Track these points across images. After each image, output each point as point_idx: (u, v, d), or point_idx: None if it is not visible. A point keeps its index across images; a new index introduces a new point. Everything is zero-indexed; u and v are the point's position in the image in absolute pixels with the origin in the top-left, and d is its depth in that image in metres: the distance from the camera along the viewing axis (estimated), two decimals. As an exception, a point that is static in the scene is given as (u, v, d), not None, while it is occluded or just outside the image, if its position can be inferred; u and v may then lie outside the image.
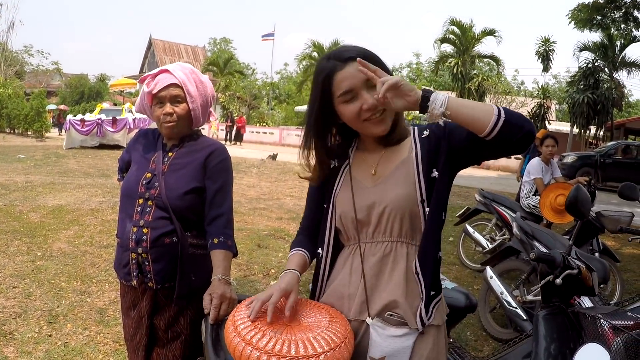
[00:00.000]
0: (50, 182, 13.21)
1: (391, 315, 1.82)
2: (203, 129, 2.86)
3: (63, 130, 30.25)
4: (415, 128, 1.96)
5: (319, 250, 2.04)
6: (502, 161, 26.62)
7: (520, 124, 1.63)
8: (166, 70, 2.50)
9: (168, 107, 2.47)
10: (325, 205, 2.04)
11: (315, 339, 1.64)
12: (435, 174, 1.84)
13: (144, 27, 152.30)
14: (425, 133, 1.91)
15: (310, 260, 2.06)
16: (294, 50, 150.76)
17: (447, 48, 33.58)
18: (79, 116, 25.12)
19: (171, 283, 2.49)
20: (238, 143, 32.04)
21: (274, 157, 22.34)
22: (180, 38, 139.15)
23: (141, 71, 61.03)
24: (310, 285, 2.10)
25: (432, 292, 1.83)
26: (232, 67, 47.33)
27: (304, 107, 44.43)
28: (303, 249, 2.06)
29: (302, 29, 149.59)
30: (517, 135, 1.63)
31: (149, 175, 2.52)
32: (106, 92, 51.17)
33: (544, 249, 4.66)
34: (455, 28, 32.16)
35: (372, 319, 1.84)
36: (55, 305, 5.20)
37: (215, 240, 2.44)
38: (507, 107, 1.86)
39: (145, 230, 2.45)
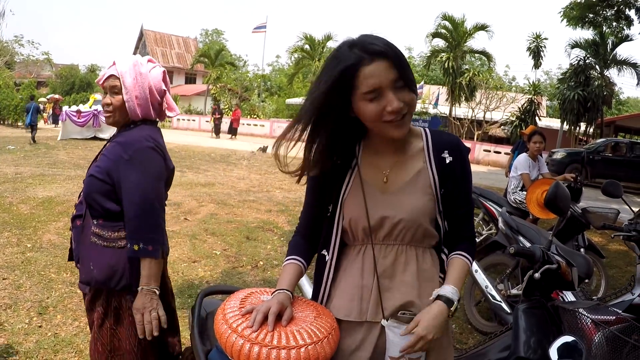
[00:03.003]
0: (40, 173, 13.19)
1: (404, 313, 1.84)
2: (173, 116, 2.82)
3: (60, 122, 30.16)
4: (429, 136, 1.95)
5: (324, 253, 2.02)
6: (492, 156, 26.80)
7: None
8: (114, 62, 2.56)
9: (107, 98, 2.54)
10: (330, 207, 1.99)
11: (298, 331, 1.71)
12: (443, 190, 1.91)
13: (135, 18, 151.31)
14: (446, 157, 1.90)
15: (306, 267, 2.05)
16: (285, 42, 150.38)
17: (439, 43, 33.63)
18: (75, 107, 25.20)
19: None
20: (232, 136, 31.79)
21: (264, 149, 22.32)
22: (172, 29, 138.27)
23: (133, 62, 60.83)
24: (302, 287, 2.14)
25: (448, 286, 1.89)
26: (223, 58, 47.16)
27: (295, 100, 44.31)
28: (299, 258, 2.02)
29: (295, 21, 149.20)
30: None
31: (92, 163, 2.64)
32: (96, 83, 51.05)
33: (528, 244, 4.74)
34: (447, 23, 32.19)
35: (387, 321, 1.85)
36: (45, 297, 5.24)
37: (135, 247, 2.39)
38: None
39: (74, 211, 2.62)
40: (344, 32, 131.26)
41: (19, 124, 32.33)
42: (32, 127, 23.96)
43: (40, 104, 35.81)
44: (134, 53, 60.84)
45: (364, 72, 1.67)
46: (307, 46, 37.65)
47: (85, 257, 2.53)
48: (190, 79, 60.42)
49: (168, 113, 2.74)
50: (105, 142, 2.76)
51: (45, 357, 4.11)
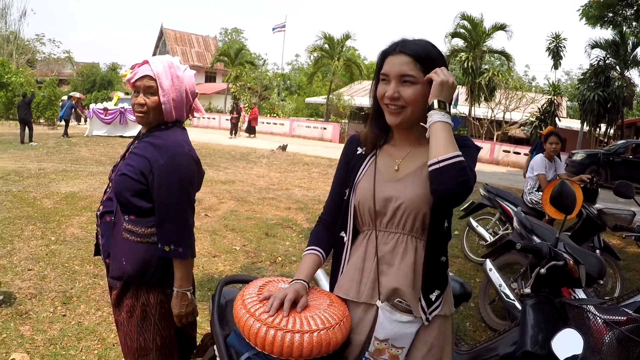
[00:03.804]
0: (63, 169, 13.46)
1: (400, 302, 1.96)
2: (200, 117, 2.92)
3: (82, 120, 30.54)
4: None
5: (342, 234, 2.16)
6: (512, 157, 26.62)
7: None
8: (147, 62, 2.60)
9: (140, 97, 2.57)
10: (346, 191, 2.15)
11: (312, 317, 1.84)
12: None
13: (155, 17, 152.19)
14: None
15: (326, 256, 2.19)
16: (305, 41, 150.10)
17: (458, 42, 33.44)
18: (101, 104, 25.76)
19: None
20: (251, 135, 31.75)
21: (283, 147, 22.44)
22: (192, 28, 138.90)
23: (152, 60, 61.09)
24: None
25: (435, 290, 1.98)
26: (243, 57, 47.22)
27: (314, 99, 44.25)
28: (318, 249, 2.17)
29: (314, 20, 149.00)
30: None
31: (119, 160, 2.73)
32: (117, 81, 51.23)
33: (541, 244, 4.78)
34: (466, 22, 31.99)
35: (381, 303, 1.97)
36: (69, 287, 5.41)
37: (166, 248, 2.50)
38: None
39: (101, 207, 2.71)
40: (363, 31, 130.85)
41: (41, 120, 32.64)
42: (66, 121, 24.62)
43: (62, 102, 36.27)
44: (154, 52, 61.25)
45: (387, 60, 1.98)
46: (326, 45, 37.57)
47: (117, 253, 2.61)
48: (210, 78, 60.65)
49: (195, 114, 2.83)
50: (130, 139, 2.86)
51: (69, 344, 4.28)
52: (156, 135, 2.61)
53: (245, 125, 32.24)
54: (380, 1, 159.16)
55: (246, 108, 35.18)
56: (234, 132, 29.95)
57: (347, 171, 2.19)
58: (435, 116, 1.86)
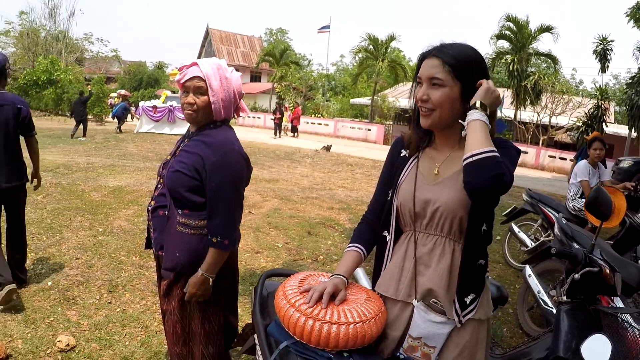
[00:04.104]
0: (111, 164, 13.82)
1: (435, 302, 2.03)
2: (241, 117, 3.03)
3: (130, 117, 31.26)
4: None
5: (385, 234, 2.23)
6: (557, 162, 26.13)
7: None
8: (196, 64, 2.73)
9: (190, 97, 2.71)
10: (390, 192, 2.22)
11: (349, 310, 1.95)
12: None
13: (201, 17, 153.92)
14: None
15: (367, 254, 2.29)
16: (350, 41, 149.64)
17: (504, 44, 32.86)
18: (150, 102, 26.68)
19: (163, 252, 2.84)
20: (294, 134, 31.78)
21: (328, 148, 22.46)
22: (237, 28, 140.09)
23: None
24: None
25: (470, 293, 2.02)
26: (288, 57, 47.32)
27: (359, 100, 44.04)
28: (360, 246, 2.28)
29: (359, 20, 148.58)
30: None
31: (169, 157, 2.88)
32: (164, 80, 51.96)
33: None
34: (511, 24, 31.39)
35: (417, 302, 2.05)
36: (115, 276, 5.62)
37: (214, 240, 2.65)
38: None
39: (152, 202, 2.86)
40: (408, 32, 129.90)
41: (89, 117, 33.34)
42: (119, 119, 25.38)
43: (110, 99, 37.21)
44: (200, 51, 61.91)
45: (423, 62, 2.05)
46: (370, 46, 37.35)
47: (170, 245, 2.76)
48: (255, 77, 61.01)
49: (241, 113, 2.94)
50: (177, 137, 2.99)
51: (114, 329, 4.47)
52: (206, 133, 2.75)
53: (289, 125, 32.32)
54: (426, 2, 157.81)
55: (291, 108, 35.27)
56: (277, 132, 29.91)
57: (391, 172, 2.26)
58: (474, 115, 1.90)
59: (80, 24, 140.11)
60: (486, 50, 31.68)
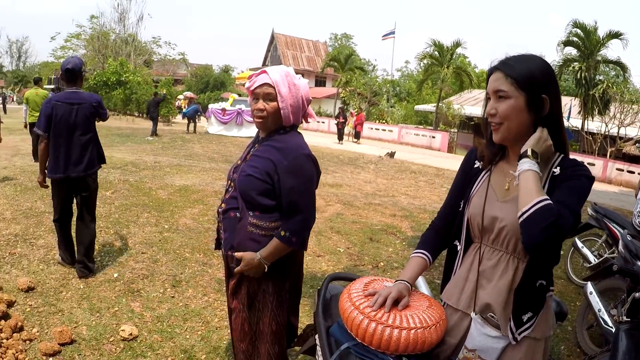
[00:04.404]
0: (177, 163, 14.14)
1: (492, 317, 2.03)
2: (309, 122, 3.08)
3: (201, 118, 32.09)
4: (558, 159, 2.04)
5: (456, 243, 2.25)
6: (625, 175, 25.31)
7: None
8: (265, 71, 2.80)
9: (260, 103, 2.78)
10: (461, 202, 2.24)
11: (411, 316, 1.98)
12: None
13: (266, 21, 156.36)
14: (556, 172, 2.00)
15: (432, 261, 2.30)
16: (414, 47, 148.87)
17: (572, 51, 31.90)
18: (219, 104, 27.56)
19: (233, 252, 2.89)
20: (356, 140, 31.50)
21: (391, 154, 22.33)
22: (302, 32, 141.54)
23: (264, 64, 62.44)
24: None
25: (527, 312, 1.99)
26: (352, 63, 47.39)
27: (423, 106, 43.68)
28: (426, 252, 2.31)
29: (424, 25, 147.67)
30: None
31: (239, 162, 2.96)
32: (230, 83, 52.78)
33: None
34: (578, 30, 30.46)
35: (475, 314, 2.07)
36: (179, 272, 5.76)
37: (282, 233, 2.72)
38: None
39: (223, 205, 2.94)
40: (474, 39, 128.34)
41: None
42: (189, 119, 26.33)
43: (177, 101, 38.14)
44: (265, 56, 62.66)
45: (490, 77, 2.05)
46: (436, 53, 36.97)
47: (242, 245, 2.82)
48: (320, 82, 61.34)
49: (308, 119, 2.99)
50: (245, 139, 3.06)
51: (175, 323, 4.58)
52: (276, 139, 2.83)
53: (353, 131, 32.16)
54: (490, 8, 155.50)
55: (356, 113, 35.15)
56: (341, 137, 29.74)
57: (463, 182, 2.28)
58: (524, 164, 1.90)
59: (148, 27, 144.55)
60: (553, 57, 30.66)
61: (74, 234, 5.63)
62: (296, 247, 2.76)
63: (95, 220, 5.73)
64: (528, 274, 1.97)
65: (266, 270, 2.76)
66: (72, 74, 5.37)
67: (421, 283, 3.18)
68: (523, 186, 1.86)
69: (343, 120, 29.62)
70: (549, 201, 1.79)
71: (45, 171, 5.36)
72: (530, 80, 1.93)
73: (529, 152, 1.89)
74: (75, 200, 5.56)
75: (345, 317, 2.03)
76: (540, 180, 1.91)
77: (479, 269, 2.08)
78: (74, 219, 5.67)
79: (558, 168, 1.98)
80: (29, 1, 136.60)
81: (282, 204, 2.74)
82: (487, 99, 2.06)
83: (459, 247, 2.23)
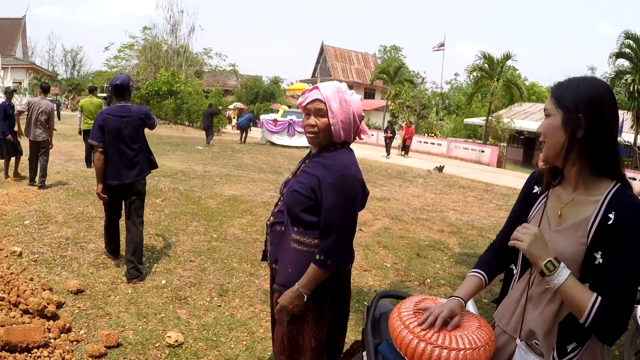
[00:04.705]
0: (226, 173, 14.32)
1: (536, 344, 1.99)
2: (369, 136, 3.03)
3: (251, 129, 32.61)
4: (613, 190, 1.93)
5: (512, 267, 2.22)
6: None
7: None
8: (317, 87, 2.79)
9: (312, 119, 2.76)
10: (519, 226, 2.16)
11: (461, 337, 1.96)
12: (598, 259, 1.86)
13: (316, 33, 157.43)
14: (611, 218, 1.86)
15: (488, 282, 2.28)
16: (464, 59, 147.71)
17: (624, 63, 30.85)
18: (271, 115, 28.14)
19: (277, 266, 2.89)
20: (404, 154, 31.05)
21: (440, 169, 22.09)
22: (351, 44, 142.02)
23: (313, 76, 62.96)
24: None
25: (572, 342, 1.92)
26: (402, 75, 47.26)
27: (473, 120, 43.23)
28: (483, 273, 2.28)
29: (472, 38, 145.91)
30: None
31: (290, 177, 2.95)
32: (279, 94, 53.21)
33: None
34: (631, 42, 29.44)
35: (520, 340, 2.06)
36: (226, 282, 5.80)
37: (317, 256, 2.66)
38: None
39: (271, 218, 2.96)
40: (523, 50, 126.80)
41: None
42: (242, 130, 26.84)
43: (227, 111, 38.72)
44: (315, 67, 63.07)
45: None
46: (485, 65, 36.49)
47: (284, 260, 2.83)
48: (369, 94, 61.43)
49: (362, 136, 2.94)
50: (295, 149, 3.04)
51: (221, 332, 4.61)
52: (326, 155, 2.80)
53: (401, 144, 31.81)
54: (540, 19, 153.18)
55: (405, 126, 34.87)
56: (388, 151, 29.30)
57: (522, 207, 2.23)
58: (552, 282, 1.85)
59: (200, 39, 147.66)
60: (604, 69, 29.73)
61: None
62: (331, 270, 2.70)
63: (143, 223, 6.01)
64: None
65: (305, 299, 2.72)
66: (120, 89, 5.74)
67: (470, 306, 3.14)
68: (565, 298, 1.84)
69: (391, 135, 29.21)
70: (600, 300, 1.77)
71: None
72: (570, 98, 1.90)
73: (545, 271, 1.84)
74: (124, 204, 5.91)
75: (394, 336, 2.02)
76: (587, 224, 1.88)
77: (528, 294, 2.05)
78: (121, 221, 6.05)
79: (613, 213, 1.86)
80: (84, 12, 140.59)
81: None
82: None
83: (515, 271, 2.20)
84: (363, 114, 2.88)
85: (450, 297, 2.15)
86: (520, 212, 2.22)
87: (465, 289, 2.22)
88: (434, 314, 2.00)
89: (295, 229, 2.76)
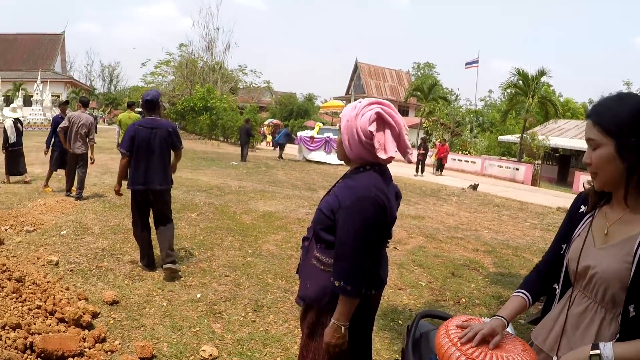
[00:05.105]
0: (261, 189, 14.40)
1: None
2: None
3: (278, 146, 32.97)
4: None
5: (555, 286, 2.21)
6: None
7: None
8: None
9: (339, 136, 2.78)
10: (563, 245, 2.18)
11: (507, 357, 1.92)
12: None
13: (350, 50, 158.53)
14: None
15: (532, 303, 2.23)
16: (497, 76, 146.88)
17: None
18: (308, 132, 28.61)
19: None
20: (439, 172, 30.49)
21: (474, 187, 21.84)
22: (385, 61, 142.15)
23: (347, 93, 63.20)
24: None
25: None
26: (436, 92, 47.02)
27: (507, 137, 42.79)
28: (527, 293, 2.23)
29: (506, 54, 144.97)
30: None
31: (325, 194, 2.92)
32: (313, 112, 53.44)
33: None
34: None
35: (557, 359, 2.01)
36: (260, 297, 5.79)
37: (336, 284, 2.57)
38: None
39: (306, 232, 2.96)
40: (558, 67, 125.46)
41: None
42: (280, 146, 27.20)
43: (262, 127, 39.11)
44: (349, 84, 63.31)
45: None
46: (520, 82, 36.06)
47: (305, 275, 2.84)
48: (402, 112, 61.27)
49: (378, 154, 2.65)
50: (330, 165, 3.01)
51: (255, 347, 4.60)
52: (352, 176, 2.75)
53: (435, 162, 31.37)
54: (572, 34, 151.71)
55: (439, 144, 34.55)
56: (419, 169, 28.72)
57: (568, 226, 2.19)
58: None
59: (235, 56, 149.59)
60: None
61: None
62: (353, 296, 2.59)
63: (172, 220, 6.65)
64: (622, 331, 1.85)
65: (343, 331, 2.63)
66: (151, 104, 6.40)
67: (508, 329, 3.13)
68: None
69: (424, 152, 28.81)
70: None
71: (123, 182, 6.49)
72: (617, 124, 1.82)
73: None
74: (152, 211, 6.51)
75: (441, 353, 2.00)
76: (634, 243, 1.82)
77: (568, 313, 2.03)
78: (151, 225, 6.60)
79: None
80: (121, 29, 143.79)
81: None
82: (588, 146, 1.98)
83: (557, 291, 2.18)
84: (370, 129, 2.61)
85: (493, 316, 2.13)
86: (566, 232, 2.19)
87: (509, 309, 2.17)
88: (474, 330, 1.99)
89: (318, 246, 2.75)
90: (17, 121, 12.43)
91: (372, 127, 2.60)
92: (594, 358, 1.76)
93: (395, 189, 2.87)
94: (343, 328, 2.63)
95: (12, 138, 12.11)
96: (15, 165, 12.22)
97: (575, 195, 2.27)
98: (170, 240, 6.42)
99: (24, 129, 12.95)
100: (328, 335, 2.66)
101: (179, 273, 6.22)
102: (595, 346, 1.78)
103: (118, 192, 6.52)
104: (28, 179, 12.26)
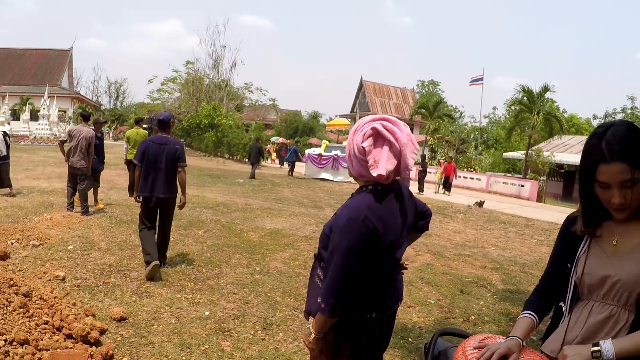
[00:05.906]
0: (267, 207, 14.39)
1: None
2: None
3: (285, 164, 33.05)
4: None
5: (561, 304, 2.24)
6: None
7: None
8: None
9: None
10: (568, 265, 2.20)
11: None
12: None
13: (355, 68, 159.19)
14: None
15: (539, 322, 2.28)
16: (502, 93, 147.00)
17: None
18: (315, 150, 28.83)
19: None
20: (446, 191, 30.01)
21: (480, 204, 21.72)
22: (389, 79, 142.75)
23: (352, 110, 63.28)
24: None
25: None
26: (441, 110, 47.14)
27: (512, 154, 42.70)
28: (532, 313, 2.28)
29: (511, 71, 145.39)
30: None
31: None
32: (318, 129, 53.56)
33: None
34: None
35: None
36: (269, 315, 5.75)
37: (319, 299, 2.58)
38: None
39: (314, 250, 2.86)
40: (561, 83, 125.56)
41: (246, 160, 35.00)
42: (291, 163, 27.56)
43: (268, 145, 39.25)
44: (354, 102, 63.43)
45: (601, 168, 1.93)
46: (525, 98, 36.05)
47: (310, 291, 2.84)
48: (408, 129, 61.42)
49: (371, 171, 2.52)
50: (337, 183, 2.98)
51: (265, 365, 4.52)
52: (353, 196, 2.72)
53: (441, 180, 31.02)
54: (575, 51, 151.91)
55: (444, 162, 34.39)
56: (420, 187, 28.26)
57: (562, 248, 2.27)
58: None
59: (241, 74, 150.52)
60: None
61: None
62: (325, 315, 2.55)
63: (170, 230, 7.56)
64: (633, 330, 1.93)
65: (319, 339, 2.65)
66: (163, 123, 7.38)
67: None
68: (631, 354, 1.83)
69: (421, 169, 28.34)
70: None
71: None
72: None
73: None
74: (158, 215, 7.29)
75: None
76: None
77: (586, 323, 2.04)
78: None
79: None
80: (128, 45, 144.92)
81: None
82: (601, 186, 1.96)
83: (564, 309, 2.22)
84: (363, 144, 2.51)
85: (508, 337, 2.13)
86: (561, 254, 2.26)
87: (521, 329, 2.21)
88: (491, 350, 2.00)
89: (321, 264, 2.72)
90: (5, 135, 12.47)
91: (366, 143, 2.50)
92: (595, 353, 1.81)
93: (419, 207, 3.01)
94: (317, 339, 2.64)
95: (3, 151, 12.15)
96: (3, 179, 12.16)
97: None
98: (164, 246, 7.35)
99: (11, 142, 12.95)
100: (304, 336, 2.74)
101: (159, 275, 6.73)
102: (596, 343, 1.85)
103: (137, 199, 7.31)
104: (13, 193, 12.20)
